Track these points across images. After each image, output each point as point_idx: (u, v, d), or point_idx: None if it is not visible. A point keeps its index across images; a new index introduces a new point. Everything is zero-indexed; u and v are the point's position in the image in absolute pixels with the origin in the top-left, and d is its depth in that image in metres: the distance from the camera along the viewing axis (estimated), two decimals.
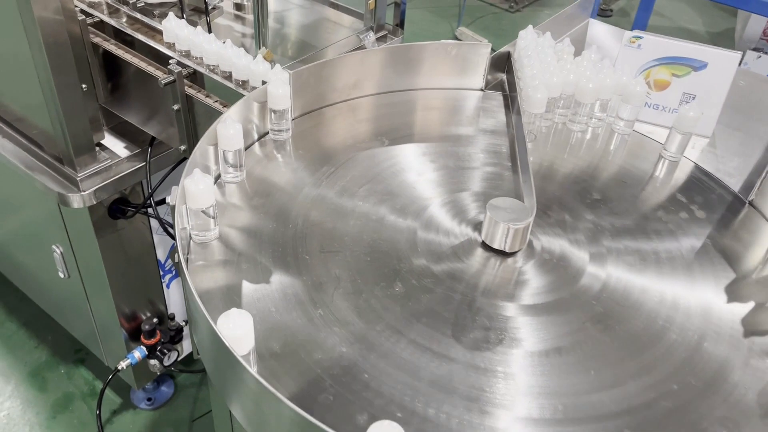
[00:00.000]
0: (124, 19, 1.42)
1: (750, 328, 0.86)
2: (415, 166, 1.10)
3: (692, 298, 0.90)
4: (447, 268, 0.92)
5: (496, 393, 0.76)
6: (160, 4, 1.43)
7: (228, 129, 0.96)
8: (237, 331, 0.72)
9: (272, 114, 1.08)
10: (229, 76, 1.23)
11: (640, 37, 1.25)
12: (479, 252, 0.96)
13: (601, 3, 4.58)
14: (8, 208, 1.82)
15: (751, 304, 0.90)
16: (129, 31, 1.36)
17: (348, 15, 1.82)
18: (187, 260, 0.89)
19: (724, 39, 4.30)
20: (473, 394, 0.76)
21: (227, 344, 0.70)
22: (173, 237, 1.60)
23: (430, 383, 0.76)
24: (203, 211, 0.89)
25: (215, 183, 1.01)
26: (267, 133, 1.12)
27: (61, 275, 1.73)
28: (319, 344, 0.80)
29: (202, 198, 0.88)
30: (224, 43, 1.22)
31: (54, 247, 1.68)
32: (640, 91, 1.17)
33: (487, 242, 0.95)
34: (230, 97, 1.21)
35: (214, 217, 0.91)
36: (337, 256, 0.92)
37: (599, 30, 1.61)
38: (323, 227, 0.96)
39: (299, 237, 0.94)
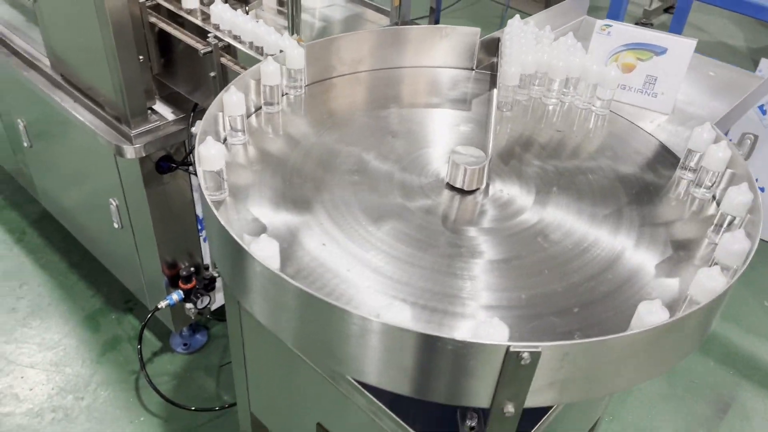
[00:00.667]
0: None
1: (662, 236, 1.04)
2: (401, 127, 1.32)
3: (619, 224, 1.08)
4: (418, 203, 1.12)
5: (464, 290, 0.96)
6: None
7: (231, 96, 1.19)
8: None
9: (289, 74, 1.32)
10: (260, 51, 1.47)
11: (610, 26, 1.43)
12: (445, 192, 1.16)
13: (642, 17, 4.70)
14: (75, 168, 2.12)
15: (664, 224, 1.07)
16: (181, 13, 1.63)
17: (378, 12, 2.06)
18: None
19: (766, 54, 4.34)
20: (447, 291, 0.96)
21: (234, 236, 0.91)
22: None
23: (405, 283, 0.96)
24: (216, 173, 1.08)
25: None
26: (285, 93, 1.36)
27: (116, 225, 2.01)
28: (303, 247, 1.02)
29: (214, 161, 1.08)
30: (257, 22, 1.47)
31: (110, 200, 1.96)
32: (615, 76, 1.35)
33: (450, 182, 1.16)
34: None
35: (224, 179, 1.09)
36: (328, 189, 1.14)
37: (592, 24, 1.79)
38: (318, 168, 1.19)
39: (297, 171, 1.17)
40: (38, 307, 2.39)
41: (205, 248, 2.06)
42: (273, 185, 1.12)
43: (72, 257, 2.59)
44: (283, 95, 1.35)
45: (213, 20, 1.57)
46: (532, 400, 0.84)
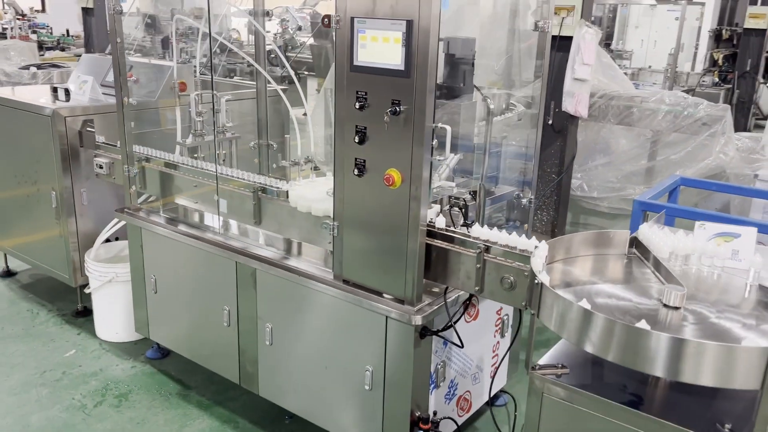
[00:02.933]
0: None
1: None
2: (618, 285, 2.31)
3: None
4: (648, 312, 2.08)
5: None
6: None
7: (544, 245, 2.20)
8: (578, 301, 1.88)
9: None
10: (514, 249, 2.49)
11: (704, 224, 2.55)
12: (662, 308, 2.13)
13: None
14: (334, 348, 2.94)
15: None
16: (444, 233, 2.67)
17: None
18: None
19: None
20: None
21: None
22: (461, 345, 2.74)
23: None
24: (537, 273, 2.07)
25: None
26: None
27: (366, 388, 2.79)
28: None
29: (538, 263, 2.08)
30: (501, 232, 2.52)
31: (367, 366, 2.78)
32: (716, 251, 2.43)
33: (665, 302, 2.13)
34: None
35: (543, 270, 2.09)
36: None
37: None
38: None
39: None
40: None
41: (432, 398, 2.84)
42: None
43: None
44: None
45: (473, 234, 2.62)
46: None
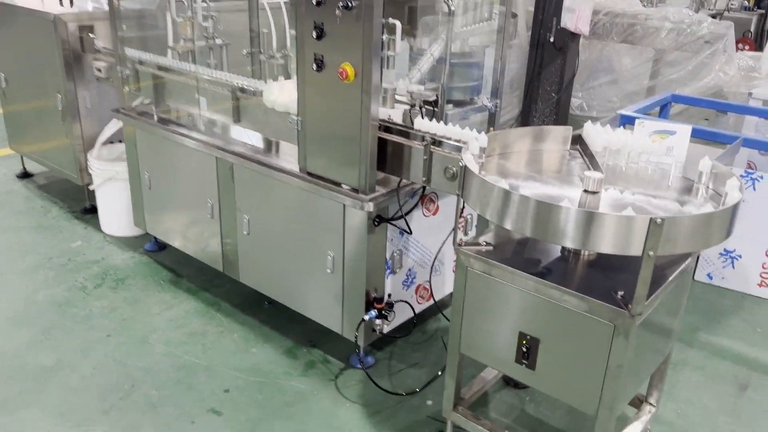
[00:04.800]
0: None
1: None
2: (544, 173, 2.48)
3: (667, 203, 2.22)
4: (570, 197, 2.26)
5: None
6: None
7: (484, 136, 2.38)
8: (497, 180, 2.07)
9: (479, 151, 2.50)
10: (457, 141, 2.66)
11: (644, 121, 2.67)
12: (580, 192, 2.30)
13: None
14: (299, 236, 3.20)
15: None
16: (394, 126, 2.85)
17: None
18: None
19: None
20: None
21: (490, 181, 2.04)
22: (410, 232, 2.96)
23: None
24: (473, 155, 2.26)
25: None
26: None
27: (328, 271, 3.05)
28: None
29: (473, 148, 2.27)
30: (447, 125, 2.69)
31: (328, 251, 3.03)
32: (651, 147, 2.57)
33: (585, 188, 2.29)
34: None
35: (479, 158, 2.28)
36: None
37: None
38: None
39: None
40: (252, 345, 3.33)
41: (387, 283, 3.09)
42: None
43: (260, 317, 3.56)
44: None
45: (416, 127, 2.79)
46: (661, 250, 1.91)
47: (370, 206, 2.80)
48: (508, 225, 2.11)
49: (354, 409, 2.93)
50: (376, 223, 2.90)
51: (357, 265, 2.97)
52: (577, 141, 2.75)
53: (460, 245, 2.38)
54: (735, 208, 2.03)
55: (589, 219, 1.93)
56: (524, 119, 6.18)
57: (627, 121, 4.14)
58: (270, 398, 2.97)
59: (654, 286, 2.09)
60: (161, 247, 4.22)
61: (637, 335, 2.11)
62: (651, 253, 1.92)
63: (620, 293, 2.10)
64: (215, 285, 3.84)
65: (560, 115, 6.07)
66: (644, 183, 2.38)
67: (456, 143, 2.68)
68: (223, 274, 3.66)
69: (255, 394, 3.00)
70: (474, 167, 2.26)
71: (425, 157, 2.72)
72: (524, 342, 2.31)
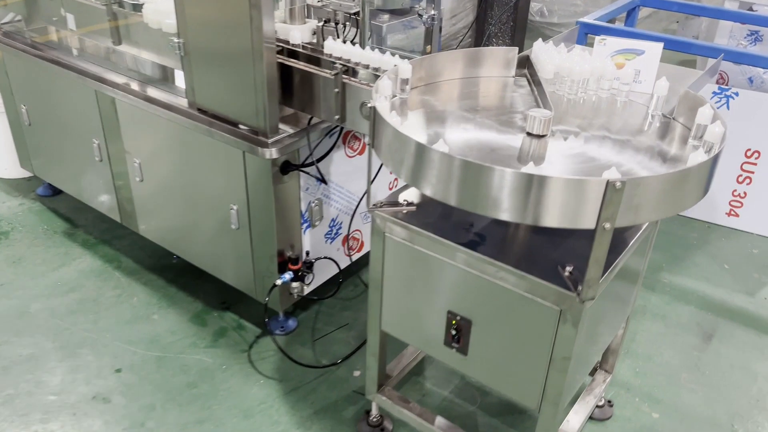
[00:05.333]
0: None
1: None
2: (481, 110, 1.98)
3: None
4: (510, 142, 1.77)
5: None
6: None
7: (406, 64, 1.85)
8: (414, 130, 1.57)
9: (400, 83, 1.97)
10: (377, 71, 2.12)
11: (605, 39, 2.15)
12: (526, 138, 1.81)
13: None
14: (198, 185, 2.67)
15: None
16: (300, 51, 2.28)
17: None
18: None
19: None
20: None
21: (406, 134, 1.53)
22: (324, 181, 2.46)
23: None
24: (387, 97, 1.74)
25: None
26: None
27: (233, 227, 2.56)
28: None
29: (385, 88, 1.74)
30: (364, 49, 2.14)
31: (231, 205, 2.52)
32: (612, 71, 2.06)
33: (530, 131, 1.80)
34: (373, 81, 2.10)
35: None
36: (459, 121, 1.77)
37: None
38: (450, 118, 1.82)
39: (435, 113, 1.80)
40: (151, 312, 2.87)
41: (304, 239, 2.62)
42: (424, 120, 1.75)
43: (166, 275, 3.08)
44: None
45: (327, 52, 2.23)
46: (620, 221, 1.46)
47: (272, 152, 2.28)
48: (427, 191, 1.61)
49: (268, 386, 2.53)
50: (283, 172, 2.39)
51: (264, 221, 2.48)
52: (525, 64, 2.23)
53: (375, 206, 1.90)
54: (716, 159, 1.57)
55: (528, 184, 1.44)
56: (479, 27, 5.58)
57: (589, 31, 3.60)
58: (169, 378, 2.55)
59: (610, 258, 1.65)
60: (56, 191, 3.65)
61: (589, 319, 1.69)
62: (607, 225, 1.46)
63: (568, 269, 1.66)
64: (117, 236, 3.33)
65: (518, 22, 5.47)
66: (602, 121, 1.90)
67: (374, 72, 2.14)
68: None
69: (152, 373, 2.57)
70: (384, 110, 1.74)
71: (336, 90, 2.18)
72: (454, 323, 1.89)
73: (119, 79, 2.76)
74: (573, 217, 1.47)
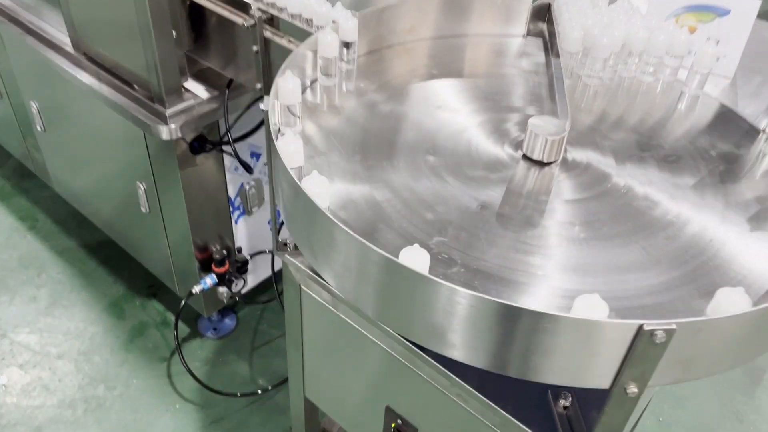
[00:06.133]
0: None
1: (755, 223, 1.01)
2: (458, 100, 1.27)
3: (701, 205, 1.04)
4: (490, 175, 1.08)
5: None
6: None
7: (326, 36, 1.15)
8: (317, 188, 0.90)
9: (344, 48, 1.26)
10: (309, 24, 1.40)
11: None
12: (521, 164, 1.12)
13: None
14: (97, 152, 2.04)
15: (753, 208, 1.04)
16: None
17: None
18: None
19: None
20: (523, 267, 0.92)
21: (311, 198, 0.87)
22: (248, 169, 1.81)
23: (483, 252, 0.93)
24: (289, 108, 1.06)
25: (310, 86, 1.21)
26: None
27: (143, 210, 1.95)
28: (384, 222, 0.97)
29: (290, 94, 1.06)
30: None
31: (138, 183, 1.89)
32: (685, 40, 1.30)
33: (528, 154, 1.11)
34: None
35: (298, 116, 1.08)
36: (398, 155, 1.09)
37: None
38: (386, 135, 1.14)
39: (367, 137, 1.12)
40: (60, 296, 2.33)
41: (237, 230, 2.00)
42: (347, 158, 1.07)
43: (88, 242, 2.52)
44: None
45: None
46: (656, 380, 0.81)
47: (172, 130, 1.61)
48: (329, 279, 0.96)
49: (184, 414, 2.01)
50: (195, 150, 1.73)
51: (176, 211, 1.86)
52: (545, 17, 1.48)
53: (287, 247, 1.26)
54: None
55: (497, 320, 0.79)
56: None
57: None
58: (60, 390, 2.04)
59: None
60: None
61: None
62: (632, 389, 0.81)
63: (564, 402, 1.03)
64: (37, 185, 2.74)
65: None
66: (651, 132, 1.19)
67: (308, 26, 1.42)
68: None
69: (33, 393, 2.05)
70: (277, 118, 1.07)
71: (256, 49, 1.47)
72: (393, 426, 1.29)
73: (6, 1, 2.06)
74: (574, 373, 0.82)
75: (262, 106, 1.07)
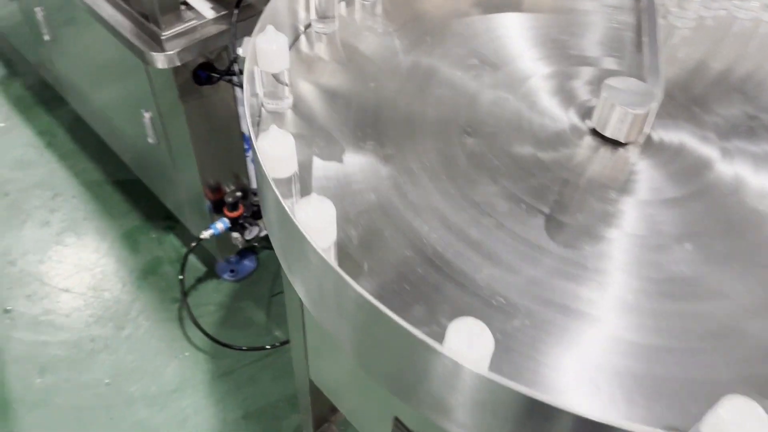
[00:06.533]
0: None
1: None
2: (520, 40, 0.96)
3: None
4: (545, 156, 0.80)
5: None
6: None
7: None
8: (317, 222, 0.63)
9: None
10: None
11: None
12: (587, 140, 0.83)
13: None
14: (101, 71, 1.81)
15: None
16: None
17: None
18: (257, 134, 0.82)
19: None
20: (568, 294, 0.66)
21: (306, 236, 0.61)
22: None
23: (526, 280, 0.67)
24: (275, 76, 0.80)
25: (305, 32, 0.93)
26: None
27: (150, 141, 1.73)
28: (399, 230, 0.71)
29: (275, 59, 0.79)
30: None
31: (143, 111, 1.66)
32: None
33: (599, 129, 0.82)
34: None
35: (287, 84, 0.82)
36: (425, 137, 0.81)
37: None
38: (409, 100, 0.86)
39: (382, 108, 0.84)
40: (73, 222, 2.18)
41: (253, 171, 1.77)
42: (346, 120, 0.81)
43: (107, 167, 2.34)
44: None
45: None
46: None
47: (169, 57, 1.35)
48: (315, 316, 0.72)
49: (192, 364, 1.86)
50: (200, 81, 1.47)
51: (183, 147, 1.63)
52: None
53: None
54: None
55: (515, 409, 0.53)
56: None
57: None
58: (61, 341, 1.91)
59: None
60: None
61: None
62: None
63: None
64: (57, 98, 2.53)
65: None
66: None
67: None
68: None
69: (39, 327, 1.93)
70: (258, 88, 0.81)
71: None
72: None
73: None
74: None
75: (240, 50, 0.80)
